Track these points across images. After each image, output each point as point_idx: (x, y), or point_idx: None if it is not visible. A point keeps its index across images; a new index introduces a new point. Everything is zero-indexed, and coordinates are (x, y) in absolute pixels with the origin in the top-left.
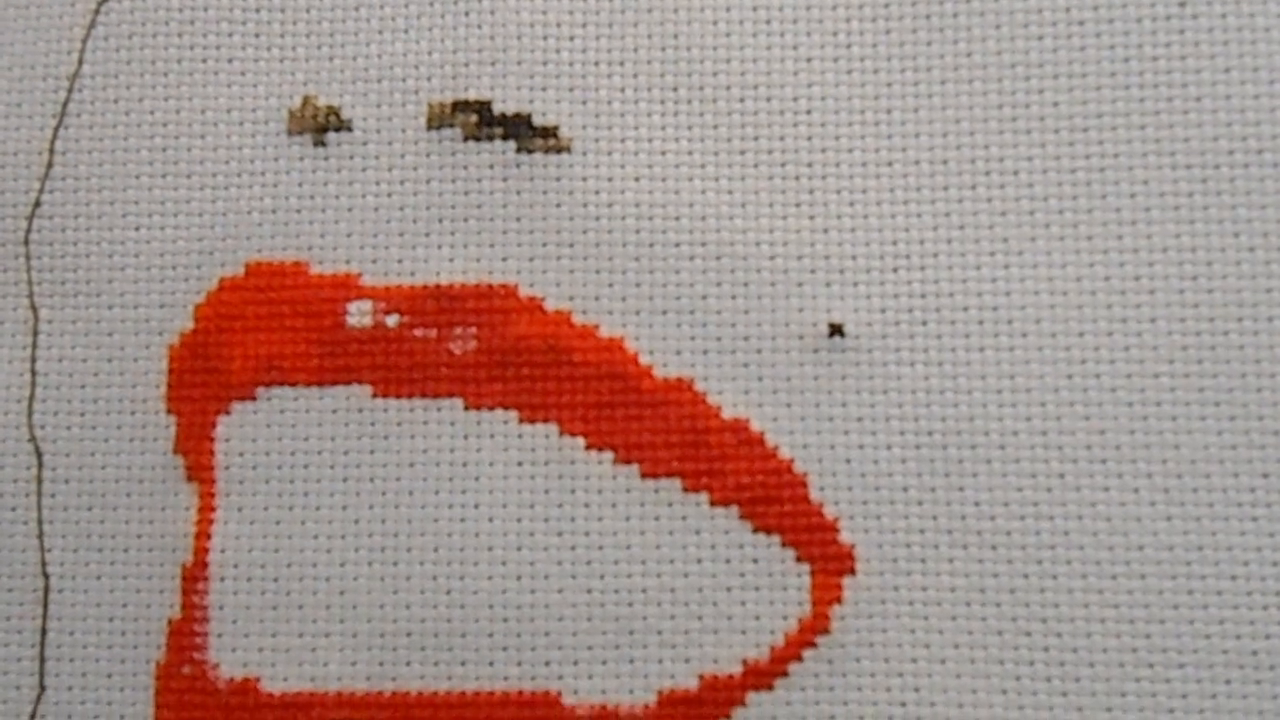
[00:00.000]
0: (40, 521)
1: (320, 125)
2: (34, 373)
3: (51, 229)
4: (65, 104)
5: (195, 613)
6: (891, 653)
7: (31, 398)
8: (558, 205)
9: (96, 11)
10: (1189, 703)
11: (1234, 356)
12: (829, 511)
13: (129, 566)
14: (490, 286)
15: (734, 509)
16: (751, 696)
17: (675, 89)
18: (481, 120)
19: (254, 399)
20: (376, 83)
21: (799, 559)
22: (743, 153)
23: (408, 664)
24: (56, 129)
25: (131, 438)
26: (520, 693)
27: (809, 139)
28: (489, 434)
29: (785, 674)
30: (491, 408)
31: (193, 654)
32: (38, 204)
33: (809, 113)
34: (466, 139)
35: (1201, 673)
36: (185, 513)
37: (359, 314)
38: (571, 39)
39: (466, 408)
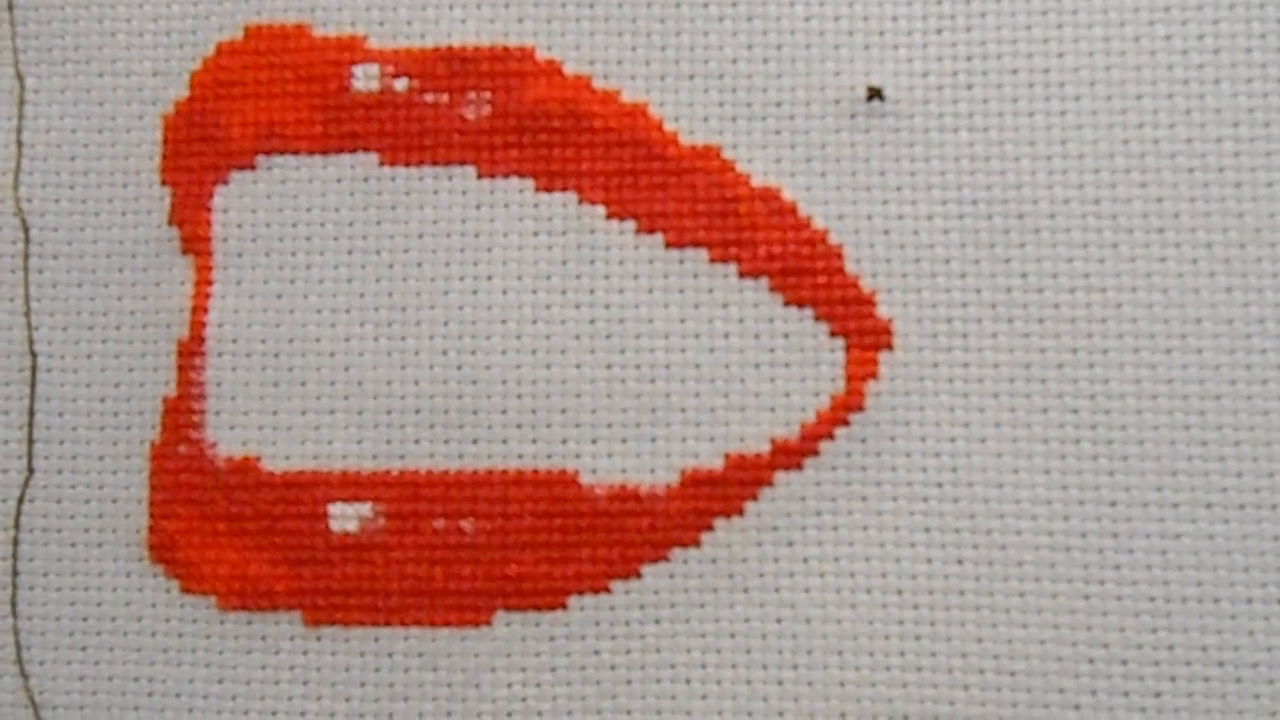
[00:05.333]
0: (27, 298)
1: None
2: (20, 144)
3: None
4: None
5: (192, 390)
6: (929, 431)
7: (18, 170)
8: None
9: None
10: (1243, 481)
11: None
12: (865, 284)
13: (121, 344)
14: (505, 48)
15: (764, 280)
16: (780, 476)
17: None
18: None
19: (254, 168)
20: None
21: (833, 333)
22: None
23: (416, 442)
24: None
25: (124, 210)
26: (535, 472)
27: None
28: (503, 203)
29: (816, 453)
30: (506, 175)
31: (189, 433)
32: None
33: None
34: None
35: (1259, 450)
36: (181, 287)
37: (365, 78)
38: None
39: (480, 176)
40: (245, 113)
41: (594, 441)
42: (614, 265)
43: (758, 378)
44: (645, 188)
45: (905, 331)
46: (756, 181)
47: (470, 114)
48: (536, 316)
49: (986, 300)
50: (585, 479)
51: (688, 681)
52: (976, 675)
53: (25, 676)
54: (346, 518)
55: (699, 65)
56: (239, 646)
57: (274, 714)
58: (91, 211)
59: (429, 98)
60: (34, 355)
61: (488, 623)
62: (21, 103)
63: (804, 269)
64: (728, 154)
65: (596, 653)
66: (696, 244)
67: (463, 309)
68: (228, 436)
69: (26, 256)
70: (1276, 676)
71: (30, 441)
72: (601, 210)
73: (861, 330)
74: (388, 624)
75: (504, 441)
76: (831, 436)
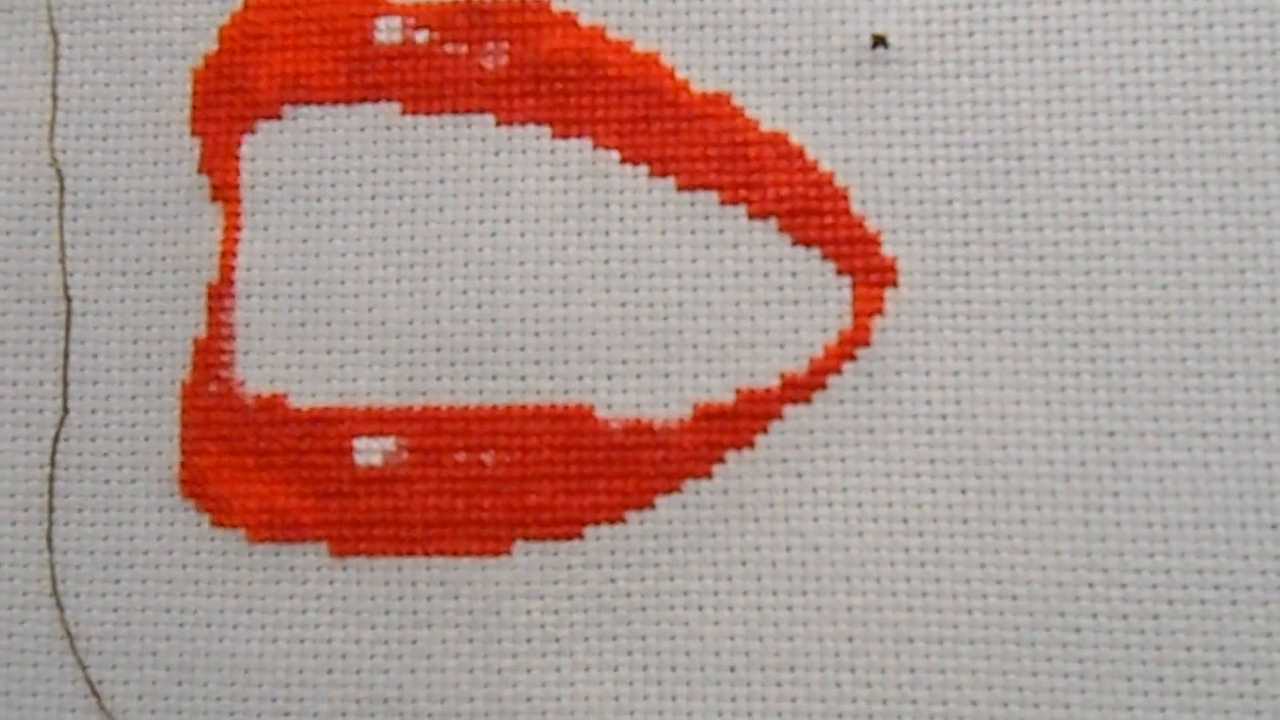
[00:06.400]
0: (62, 245)
1: None
2: (55, 98)
3: None
4: None
5: (221, 331)
6: (933, 365)
7: (53, 123)
8: None
9: None
10: (1237, 411)
11: None
12: (871, 224)
13: (153, 288)
14: (522, 1)
15: (773, 221)
16: (789, 410)
17: None
18: None
19: (280, 118)
20: None
21: (840, 271)
22: None
23: (438, 379)
24: None
25: (155, 160)
26: (553, 406)
27: None
28: (521, 149)
29: (824, 387)
30: (524, 123)
31: (219, 372)
32: None
33: None
34: None
35: (1252, 380)
36: (210, 232)
37: (388, 30)
38: None
39: (498, 123)
40: (272, 65)
41: (609, 377)
42: (628, 208)
43: (767, 315)
44: (658, 133)
45: (910, 269)
46: (765, 127)
47: (489, 64)
48: (553, 257)
49: (988, 239)
50: (601, 413)
51: (700, 608)
52: (979, 600)
53: (61, 608)
54: (371, 452)
55: (709, 15)
56: (267, 577)
57: (301, 641)
58: (124, 162)
59: (449, 49)
60: (69, 300)
61: (507, 552)
62: (56, 58)
63: (811, 210)
64: (737, 100)
65: (612, 580)
66: (707, 187)
67: (482, 250)
68: (256, 375)
69: (61, 205)
70: (1271, 598)
71: (65, 383)
72: (615, 155)
73: (868, 268)
74: (411, 554)
75: (522, 378)
76: (839, 371)
